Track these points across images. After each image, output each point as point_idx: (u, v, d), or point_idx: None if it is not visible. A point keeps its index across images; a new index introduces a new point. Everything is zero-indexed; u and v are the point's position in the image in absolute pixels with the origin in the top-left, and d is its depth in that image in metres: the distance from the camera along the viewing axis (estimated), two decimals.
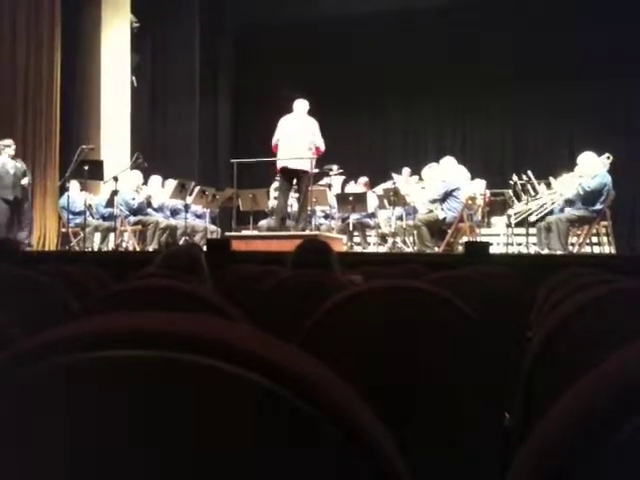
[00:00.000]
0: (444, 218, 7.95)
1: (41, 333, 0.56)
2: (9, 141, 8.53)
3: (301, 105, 8.09)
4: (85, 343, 0.54)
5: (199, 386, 0.52)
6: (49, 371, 0.53)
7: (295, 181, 8.04)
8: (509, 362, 1.50)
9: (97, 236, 9.49)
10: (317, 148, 7.87)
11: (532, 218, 8.32)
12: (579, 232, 7.82)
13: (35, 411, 0.54)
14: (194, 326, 0.56)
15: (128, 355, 0.53)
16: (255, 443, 0.52)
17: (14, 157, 8.52)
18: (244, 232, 8.93)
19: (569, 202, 7.72)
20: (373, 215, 9.67)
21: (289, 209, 8.55)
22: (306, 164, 7.81)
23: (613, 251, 7.79)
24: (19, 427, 0.54)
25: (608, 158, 7.92)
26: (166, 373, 0.53)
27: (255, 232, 8.73)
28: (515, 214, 8.53)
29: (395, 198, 8.75)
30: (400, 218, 8.98)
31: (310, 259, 2.43)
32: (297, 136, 7.79)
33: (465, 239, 7.85)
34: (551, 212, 8.16)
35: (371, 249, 9.36)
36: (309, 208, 8.58)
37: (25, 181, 8.46)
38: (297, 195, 8.24)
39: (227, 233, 8.97)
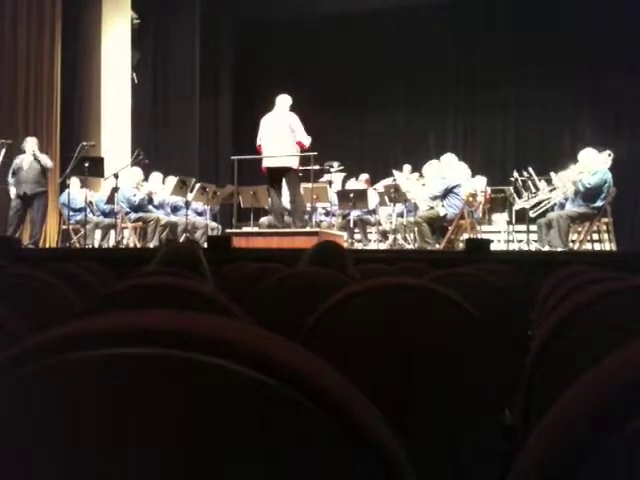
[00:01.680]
0: (445, 215, 7.94)
1: (44, 331, 0.56)
2: (29, 138, 8.62)
3: (282, 101, 7.89)
4: (88, 341, 0.54)
5: (201, 384, 0.52)
6: (53, 369, 0.53)
7: (284, 180, 7.93)
8: (510, 360, 1.50)
9: (98, 233, 9.49)
10: (300, 143, 7.67)
11: (532, 214, 8.32)
12: (580, 229, 7.81)
13: (39, 410, 0.54)
14: (196, 324, 0.56)
15: (131, 353, 0.53)
16: (257, 440, 0.52)
17: (37, 153, 8.58)
18: (245, 229, 8.93)
19: (569, 199, 7.72)
20: (374, 212, 9.67)
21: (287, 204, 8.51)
22: (290, 161, 7.68)
23: (614, 248, 7.79)
24: (23, 425, 0.54)
25: (609, 155, 7.91)
26: (168, 371, 0.53)
27: (256, 229, 8.73)
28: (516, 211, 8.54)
29: (396, 195, 8.74)
30: (401, 215, 8.98)
31: (326, 260, 2.42)
32: (277, 134, 7.63)
33: (466, 236, 7.85)
34: (552, 209, 8.16)
35: (372, 246, 9.35)
36: (309, 205, 8.56)
37: (40, 188, 8.50)
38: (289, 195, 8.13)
39: (228, 230, 8.97)
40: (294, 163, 7.76)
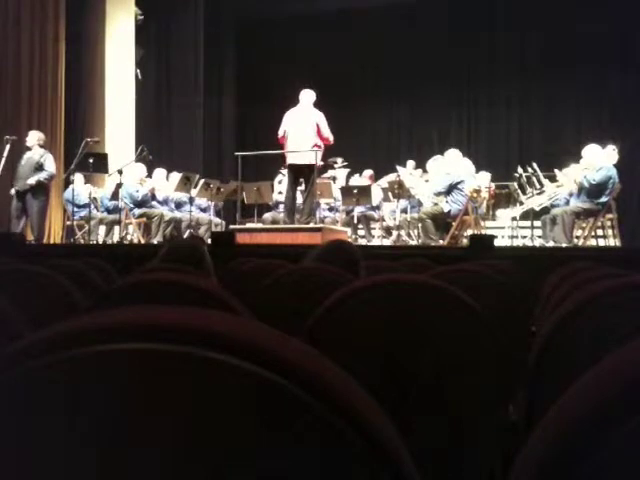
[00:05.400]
0: (449, 211, 7.93)
1: (47, 328, 0.56)
2: (31, 132, 8.55)
3: (307, 96, 7.95)
4: (90, 337, 0.54)
5: (204, 379, 0.52)
6: (54, 366, 0.53)
7: (302, 176, 7.99)
8: (513, 356, 1.50)
9: (102, 229, 9.50)
10: (325, 139, 7.78)
11: (537, 209, 8.31)
12: (584, 225, 7.80)
13: (42, 406, 0.54)
14: (198, 320, 0.56)
15: (132, 349, 0.53)
16: (259, 437, 0.52)
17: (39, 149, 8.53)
18: (248, 225, 8.94)
19: (573, 195, 7.70)
20: (377, 208, 9.67)
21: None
22: (311, 158, 7.75)
23: (618, 244, 7.77)
24: (24, 423, 0.54)
25: (614, 150, 7.89)
26: (170, 366, 0.53)
27: (259, 225, 8.73)
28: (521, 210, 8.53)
29: (399, 191, 8.73)
30: (404, 211, 8.97)
31: (335, 259, 2.39)
32: (302, 131, 7.70)
33: (470, 232, 7.84)
34: (556, 204, 8.14)
35: (375, 242, 9.35)
36: (314, 201, 8.57)
37: (32, 180, 8.40)
38: (303, 189, 8.19)
39: (231, 226, 8.98)
40: (314, 160, 7.79)
